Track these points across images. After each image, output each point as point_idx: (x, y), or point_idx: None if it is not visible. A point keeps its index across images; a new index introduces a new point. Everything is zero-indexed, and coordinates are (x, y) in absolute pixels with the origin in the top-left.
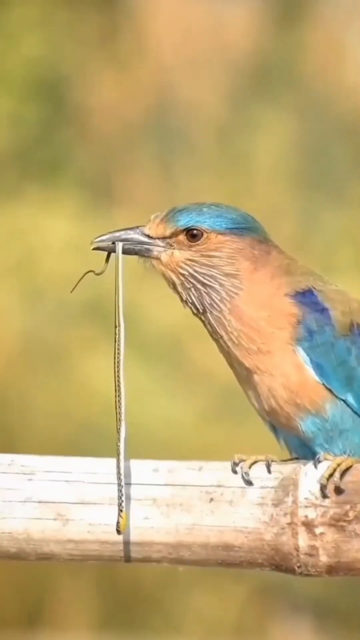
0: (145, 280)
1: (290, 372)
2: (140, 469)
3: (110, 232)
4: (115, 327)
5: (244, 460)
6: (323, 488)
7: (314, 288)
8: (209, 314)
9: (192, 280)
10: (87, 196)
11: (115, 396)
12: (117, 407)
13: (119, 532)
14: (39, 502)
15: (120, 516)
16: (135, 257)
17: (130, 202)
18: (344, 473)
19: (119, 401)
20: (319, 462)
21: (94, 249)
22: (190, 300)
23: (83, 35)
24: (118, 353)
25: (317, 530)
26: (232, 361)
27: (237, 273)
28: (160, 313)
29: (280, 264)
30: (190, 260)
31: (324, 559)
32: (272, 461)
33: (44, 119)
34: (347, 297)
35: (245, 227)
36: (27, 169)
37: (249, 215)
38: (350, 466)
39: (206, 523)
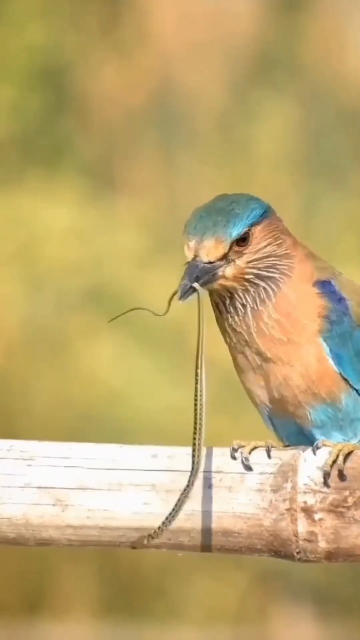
0: (148, 268)
1: (312, 362)
2: (140, 454)
3: (182, 282)
4: (197, 368)
5: (243, 446)
6: (326, 475)
7: (334, 277)
8: (248, 309)
9: (256, 280)
10: (88, 184)
11: (194, 439)
12: (196, 445)
13: (142, 544)
14: (38, 487)
15: (160, 529)
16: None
17: (131, 189)
18: (345, 458)
19: (198, 441)
20: (318, 448)
21: (181, 299)
22: (244, 301)
23: (85, 23)
24: (201, 396)
25: (316, 516)
26: (246, 350)
27: (287, 251)
28: (163, 299)
29: (299, 242)
30: (250, 261)
31: (323, 544)
32: (272, 447)
33: (46, 107)
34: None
35: (265, 208)
36: (28, 157)
37: (255, 196)
38: (352, 451)
39: (205, 509)
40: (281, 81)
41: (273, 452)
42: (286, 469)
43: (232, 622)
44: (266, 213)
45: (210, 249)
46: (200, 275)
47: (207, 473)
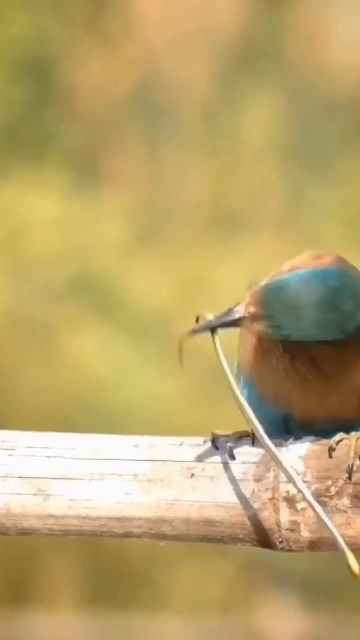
0: (133, 259)
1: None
2: (121, 444)
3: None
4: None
5: (226, 435)
6: (351, 469)
7: None
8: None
9: None
10: (74, 175)
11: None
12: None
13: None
14: (20, 477)
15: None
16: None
17: (117, 180)
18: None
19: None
20: (337, 442)
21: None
22: None
23: (70, 14)
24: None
25: (299, 506)
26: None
27: None
28: (148, 290)
29: None
30: None
31: (305, 534)
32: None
33: (31, 99)
34: None
35: None
36: (13, 148)
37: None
38: None
39: (187, 498)
40: (266, 72)
41: (256, 442)
42: (268, 459)
43: (218, 611)
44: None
45: (247, 304)
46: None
47: (189, 462)
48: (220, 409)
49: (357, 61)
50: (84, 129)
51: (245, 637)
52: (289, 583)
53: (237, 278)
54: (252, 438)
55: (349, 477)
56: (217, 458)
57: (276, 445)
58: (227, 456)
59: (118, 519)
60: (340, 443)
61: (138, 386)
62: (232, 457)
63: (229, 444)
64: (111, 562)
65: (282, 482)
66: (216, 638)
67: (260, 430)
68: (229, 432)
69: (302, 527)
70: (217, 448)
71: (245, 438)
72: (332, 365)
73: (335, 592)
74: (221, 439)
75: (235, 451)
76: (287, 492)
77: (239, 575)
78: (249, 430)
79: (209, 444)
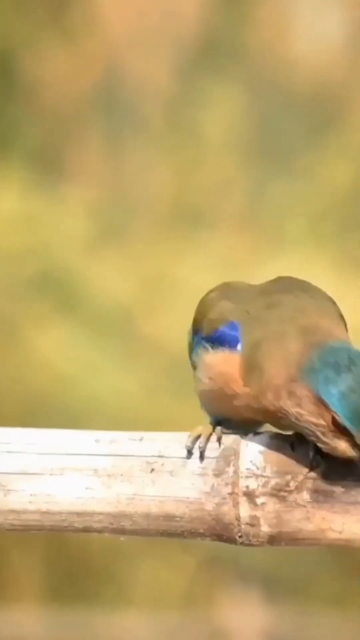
0: (96, 255)
1: None
2: (82, 439)
3: None
4: None
5: (198, 437)
6: (311, 460)
7: None
8: None
9: None
10: (36, 170)
11: None
12: None
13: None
14: None
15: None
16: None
17: (79, 176)
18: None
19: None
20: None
21: None
22: None
23: (32, 9)
24: None
25: (259, 501)
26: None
27: None
28: (111, 286)
29: None
30: None
31: (265, 529)
32: (222, 434)
33: None
34: None
35: None
36: None
37: None
38: None
39: (147, 493)
40: (228, 66)
41: (213, 437)
42: (228, 454)
43: (180, 607)
44: None
45: None
46: None
47: (150, 457)
48: (182, 404)
49: (318, 56)
50: (46, 125)
51: (207, 632)
52: (251, 578)
53: (199, 274)
54: (219, 437)
55: (309, 472)
56: (177, 453)
57: (235, 440)
58: (198, 458)
59: (78, 513)
60: (301, 437)
61: (101, 382)
62: (202, 459)
63: (200, 446)
64: (73, 557)
65: (241, 477)
66: (178, 633)
67: None
68: (200, 432)
69: (261, 521)
70: (191, 452)
71: (212, 436)
72: None
73: (297, 587)
74: (197, 441)
75: (195, 446)
76: (247, 486)
77: (201, 570)
78: (217, 430)
79: (169, 439)
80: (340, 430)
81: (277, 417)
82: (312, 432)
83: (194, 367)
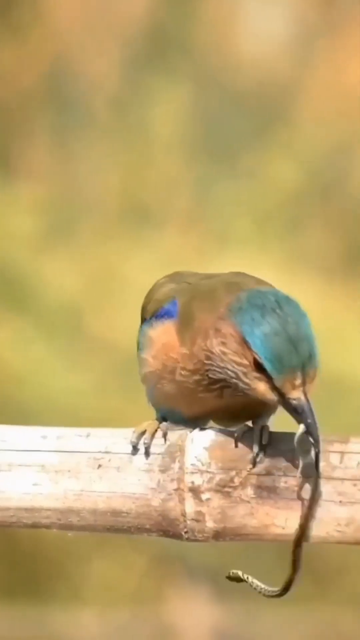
0: (44, 252)
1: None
2: (29, 435)
3: (315, 428)
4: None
5: (143, 432)
6: (255, 456)
7: None
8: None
9: None
10: None
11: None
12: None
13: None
14: None
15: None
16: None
17: (27, 173)
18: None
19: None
20: (243, 432)
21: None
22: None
23: None
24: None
25: (204, 496)
26: (201, 395)
27: None
28: (60, 283)
29: None
30: None
31: (210, 524)
32: (168, 429)
33: None
34: None
35: None
36: None
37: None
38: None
39: (94, 489)
40: (175, 64)
41: (158, 433)
42: (174, 450)
43: (131, 604)
44: None
45: (314, 383)
46: (315, 415)
47: (96, 453)
48: (131, 401)
49: (264, 56)
50: None
51: (157, 630)
52: (199, 575)
53: (146, 271)
54: (164, 433)
55: (253, 468)
56: (124, 449)
57: (180, 436)
58: (144, 454)
59: (26, 509)
60: (245, 434)
61: (50, 379)
62: (148, 454)
63: (145, 442)
64: (25, 555)
65: (187, 472)
66: (129, 630)
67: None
68: (145, 428)
69: (206, 517)
70: (136, 447)
71: (158, 432)
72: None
73: (244, 585)
74: (142, 436)
75: (141, 442)
76: (192, 482)
77: (151, 568)
78: (162, 425)
79: (115, 435)
80: (261, 371)
81: (212, 388)
82: (234, 372)
83: (140, 349)
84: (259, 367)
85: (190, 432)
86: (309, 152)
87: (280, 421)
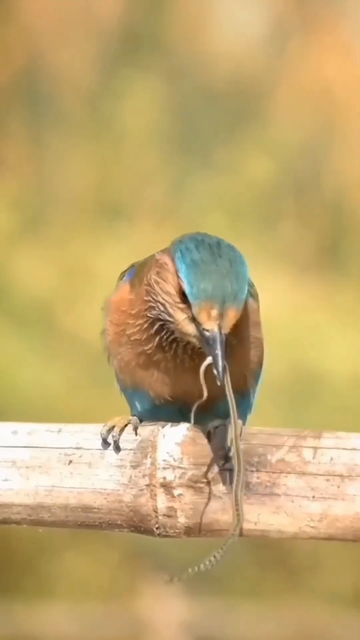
0: (17, 246)
1: (252, 364)
2: (0, 430)
3: (218, 361)
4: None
5: (112, 427)
6: (227, 452)
7: None
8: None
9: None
10: None
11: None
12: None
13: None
14: None
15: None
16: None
17: (0, 169)
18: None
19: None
20: (216, 427)
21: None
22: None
23: None
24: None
25: (176, 492)
26: (168, 364)
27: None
28: (32, 278)
29: None
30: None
31: (182, 520)
32: (138, 424)
33: None
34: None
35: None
36: None
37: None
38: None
39: (65, 485)
40: (147, 59)
41: (130, 428)
42: (145, 445)
43: (103, 599)
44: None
45: (231, 321)
46: (225, 349)
47: (67, 449)
48: (102, 396)
49: (237, 50)
50: None
51: (129, 624)
52: (172, 570)
53: (119, 266)
54: (135, 427)
55: (225, 463)
56: (95, 444)
57: (152, 431)
58: (113, 448)
59: None
60: (217, 430)
61: (22, 374)
62: (118, 449)
63: (116, 437)
64: None
65: (159, 468)
66: (101, 625)
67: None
68: (114, 423)
69: (178, 513)
70: (106, 442)
71: (127, 426)
72: (191, 358)
73: (217, 579)
74: (111, 431)
75: (111, 438)
76: (164, 478)
77: (123, 563)
78: (131, 419)
79: (86, 431)
80: (184, 301)
81: (162, 345)
82: (162, 304)
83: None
84: (183, 295)
85: (162, 427)
86: (282, 147)
87: (258, 420)
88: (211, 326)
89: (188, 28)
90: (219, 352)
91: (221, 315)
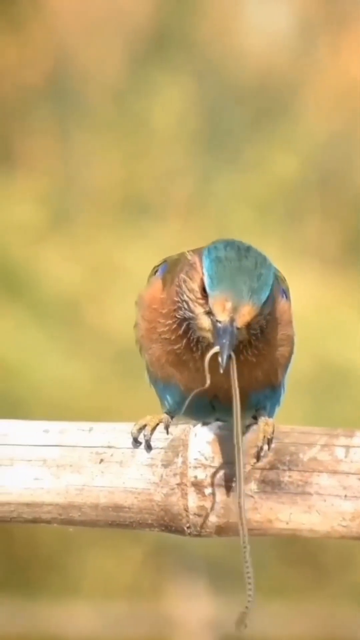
0: (43, 243)
1: (280, 361)
2: (31, 429)
3: (224, 351)
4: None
5: (144, 426)
6: (259, 450)
7: (278, 278)
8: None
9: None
10: None
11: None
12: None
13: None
14: None
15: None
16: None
17: (28, 165)
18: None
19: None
20: (247, 426)
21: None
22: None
23: None
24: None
25: (207, 491)
26: (194, 363)
27: (271, 310)
28: (58, 274)
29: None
30: (253, 327)
31: (213, 519)
32: (169, 423)
33: None
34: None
35: (274, 272)
36: None
37: (262, 252)
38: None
39: (96, 484)
40: (177, 57)
41: (161, 427)
42: (177, 444)
43: (128, 597)
44: (276, 279)
45: (245, 316)
46: (235, 342)
47: (99, 448)
48: (129, 393)
49: (265, 49)
50: None
51: (153, 622)
52: (196, 568)
53: (146, 262)
54: (166, 425)
55: (257, 462)
56: (126, 443)
57: (184, 430)
58: (144, 447)
59: (27, 504)
60: (249, 428)
61: (48, 371)
62: (149, 448)
63: (144, 435)
64: (21, 548)
65: (190, 467)
66: (125, 623)
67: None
68: (146, 422)
69: (209, 512)
70: (137, 441)
71: (159, 425)
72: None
73: (242, 576)
74: (142, 430)
75: (142, 437)
76: (195, 477)
77: (147, 560)
78: (163, 418)
79: (117, 430)
80: (204, 296)
81: (190, 345)
82: (187, 302)
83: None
84: (204, 291)
85: (194, 426)
86: (308, 144)
87: (284, 416)
88: (223, 318)
89: (216, 26)
90: (226, 341)
91: (235, 310)
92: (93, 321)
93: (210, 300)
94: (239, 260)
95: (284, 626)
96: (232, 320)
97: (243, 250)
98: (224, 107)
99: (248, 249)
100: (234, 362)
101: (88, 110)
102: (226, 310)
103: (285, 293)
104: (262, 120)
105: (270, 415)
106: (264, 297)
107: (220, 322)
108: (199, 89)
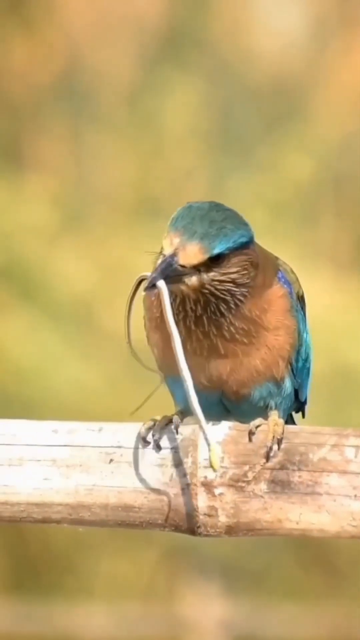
0: (56, 244)
1: (275, 350)
2: (40, 429)
3: (153, 275)
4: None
5: (152, 426)
6: (269, 450)
7: (280, 267)
8: (204, 318)
9: (211, 297)
10: None
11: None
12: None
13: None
14: None
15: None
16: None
17: (40, 165)
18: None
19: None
20: (257, 426)
21: (145, 290)
22: (200, 310)
23: None
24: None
25: (217, 491)
26: (194, 343)
27: (247, 281)
28: (71, 275)
29: (262, 256)
30: (214, 280)
31: (223, 519)
32: (179, 423)
33: None
34: (294, 273)
35: (250, 237)
36: None
37: (245, 220)
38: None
39: (106, 484)
40: (189, 57)
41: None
42: (187, 444)
43: (142, 598)
44: (248, 243)
45: (190, 255)
46: (170, 274)
47: (108, 448)
48: (141, 394)
49: (279, 49)
50: (7, 114)
51: (167, 623)
52: (210, 569)
53: None
54: (176, 426)
55: (266, 462)
56: (136, 443)
57: (193, 430)
58: (153, 447)
59: (37, 504)
60: (258, 428)
61: (61, 372)
62: (159, 448)
63: (153, 434)
64: (34, 549)
65: (200, 467)
66: (139, 624)
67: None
68: (154, 422)
69: (219, 512)
70: (146, 441)
71: (169, 425)
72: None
73: (255, 578)
74: (150, 430)
75: (151, 437)
76: (205, 477)
77: (161, 562)
78: (173, 418)
79: (127, 430)
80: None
81: (190, 315)
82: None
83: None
84: None
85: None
86: (322, 145)
87: (298, 418)
88: (168, 251)
89: (229, 26)
90: (159, 267)
91: (182, 247)
92: (106, 322)
93: (164, 237)
94: (208, 210)
95: (298, 629)
96: (174, 255)
97: (219, 207)
98: (237, 107)
99: (227, 209)
100: (166, 294)
101: (100, 110)
102: (172, 245)
103: (287, 282)
104: (276, 121)
105: (282, 416)
106: (217, 245)
107: (163, 253)
108: (212, 89)
